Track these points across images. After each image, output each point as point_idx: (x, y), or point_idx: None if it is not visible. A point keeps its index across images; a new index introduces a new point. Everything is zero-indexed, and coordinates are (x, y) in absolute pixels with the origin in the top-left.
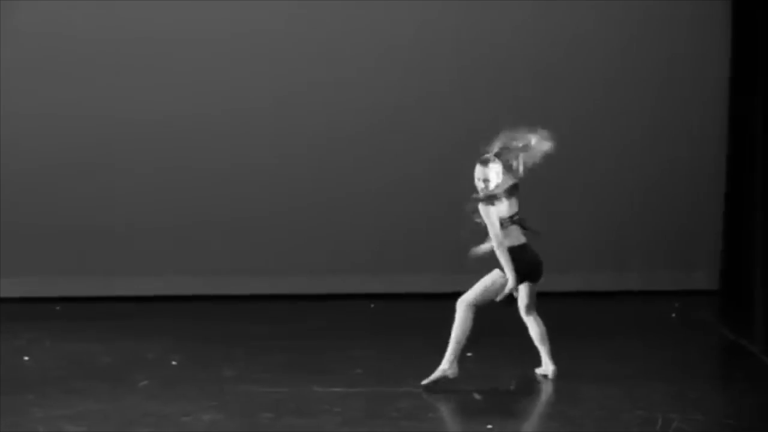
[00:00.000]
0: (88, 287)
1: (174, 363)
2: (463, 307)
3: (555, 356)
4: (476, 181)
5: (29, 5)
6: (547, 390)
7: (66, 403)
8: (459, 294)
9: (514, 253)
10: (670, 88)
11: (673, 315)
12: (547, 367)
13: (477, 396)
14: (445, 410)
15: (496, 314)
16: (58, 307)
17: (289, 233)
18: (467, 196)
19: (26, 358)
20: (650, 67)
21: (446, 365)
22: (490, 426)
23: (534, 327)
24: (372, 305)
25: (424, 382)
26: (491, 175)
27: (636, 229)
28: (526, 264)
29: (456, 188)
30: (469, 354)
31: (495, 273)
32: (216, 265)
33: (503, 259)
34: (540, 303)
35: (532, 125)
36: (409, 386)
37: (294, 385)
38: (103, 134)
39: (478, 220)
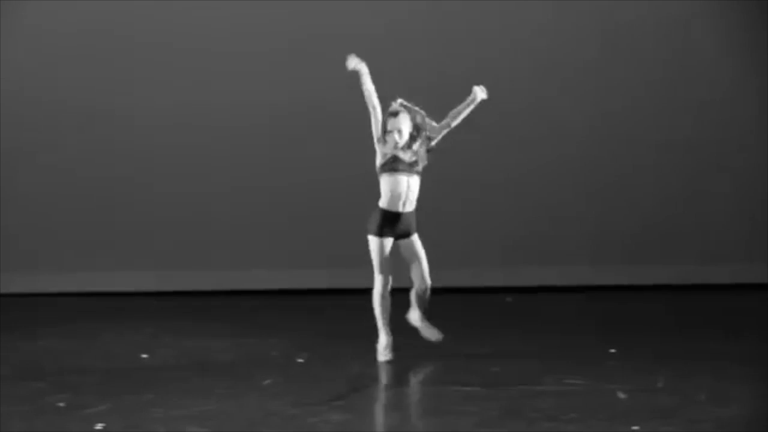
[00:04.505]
0: (210, 281)
1: (300, 360)
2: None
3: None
4: (388, 133)
5: (33, 4)
6: (695, 389)
7: (186, 402)
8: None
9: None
10: None
11: None
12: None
13: (621, 395)
14: (587, 410)
15: (644, 311)
16: (177, 303)
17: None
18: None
19: (145, 355)
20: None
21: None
22: (635, 427)
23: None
24: (509, 299)
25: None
26: (403, 125)
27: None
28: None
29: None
30: (612, 350)
31: (417, 238)
32: (343, 258)
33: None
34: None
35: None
36: (548, 384)
37: (427, 383)
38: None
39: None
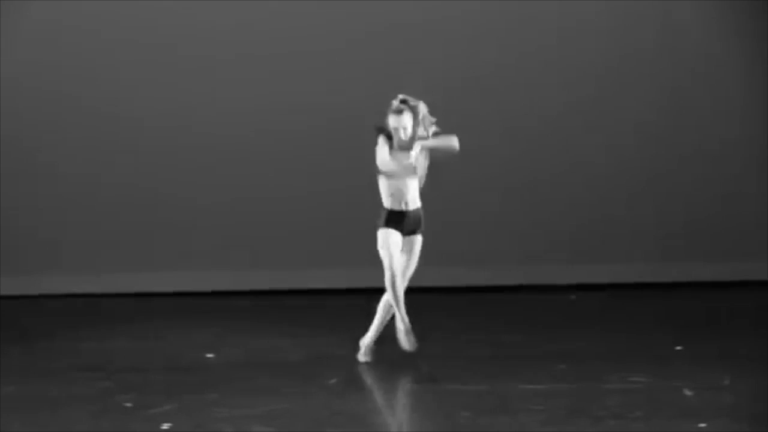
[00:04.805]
0: (274, 280)
1: (367, 359)
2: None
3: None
4: (393, 131)
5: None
6: (762, 386)
7: (252, 402)
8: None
9: (392, 214)
10: None
11: None
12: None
13: (688, 392)
14: (653, 408)
15: (704, 308)
16: (241, 303)
17: (482, 225)
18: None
19: (210, 355)
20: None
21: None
22: (702, 425)
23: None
24: (573, 297)
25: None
26: (407, 122)
27: None
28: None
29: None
30: (678, 348)
31: (420, 239)
32: None
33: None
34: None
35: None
36: (614, 382)
37: (494, 382)
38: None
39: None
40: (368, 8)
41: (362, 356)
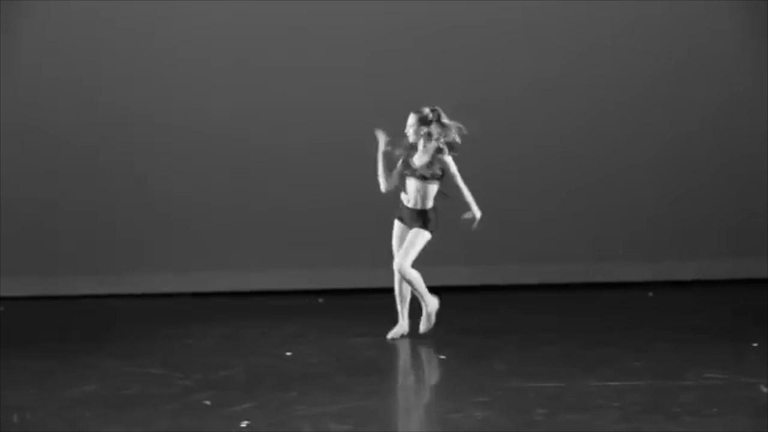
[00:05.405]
0: (351, 279)
1: (442, 357)
2: (408, 270)
3: None
4: (407, 128)
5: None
6: None
7: (330, 399)
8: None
9: (402, 207)
10: None
11: None
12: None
13: (764, 389)
14: (730, 405)
15: None
16: (320, 300)
17: (556, 224)
18: None
19: (289, 353)
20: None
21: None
22: None
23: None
24: (650, 294)
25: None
26: (408, 123)
27: None
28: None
29: None
30: (755, 344)
31: (422, 232)
32: (486, 256)
33: (471, 197)
34: None
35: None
36: (690, 379)
37: (569, 379)
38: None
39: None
40: (400, 11)
41: (422, 325)
